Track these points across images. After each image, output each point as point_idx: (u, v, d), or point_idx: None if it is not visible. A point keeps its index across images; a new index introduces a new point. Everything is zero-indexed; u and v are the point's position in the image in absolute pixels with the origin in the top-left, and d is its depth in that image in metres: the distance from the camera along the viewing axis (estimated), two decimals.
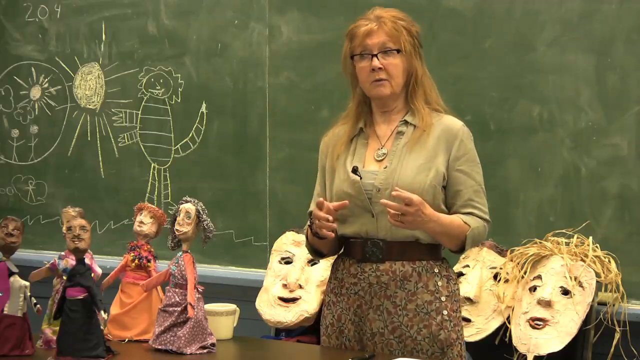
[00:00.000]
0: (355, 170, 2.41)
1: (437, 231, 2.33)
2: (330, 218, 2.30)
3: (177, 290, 2.29)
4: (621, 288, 3.05)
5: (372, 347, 2.39)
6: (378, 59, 2.38)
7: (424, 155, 2.38)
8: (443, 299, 2.37)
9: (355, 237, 2.42)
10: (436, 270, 2.39)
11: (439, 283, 2.38)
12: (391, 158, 2.40)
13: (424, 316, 2.36)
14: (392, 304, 2.37)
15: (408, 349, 2.36)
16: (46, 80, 4.44)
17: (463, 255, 3.26)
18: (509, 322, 3.07)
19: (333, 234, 2.33)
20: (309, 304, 3.38)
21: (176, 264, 2.30)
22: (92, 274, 2.16)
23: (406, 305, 2.36)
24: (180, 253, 2.32)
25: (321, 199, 2.35)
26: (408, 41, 2.39)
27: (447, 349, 2.36)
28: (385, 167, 2.39)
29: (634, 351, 3.05)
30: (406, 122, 2.43)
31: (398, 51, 2.38)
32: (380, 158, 2.42)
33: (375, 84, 2.40)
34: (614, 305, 3.03)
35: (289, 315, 3.39)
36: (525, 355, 2.97)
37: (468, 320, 3.14)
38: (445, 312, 2.37)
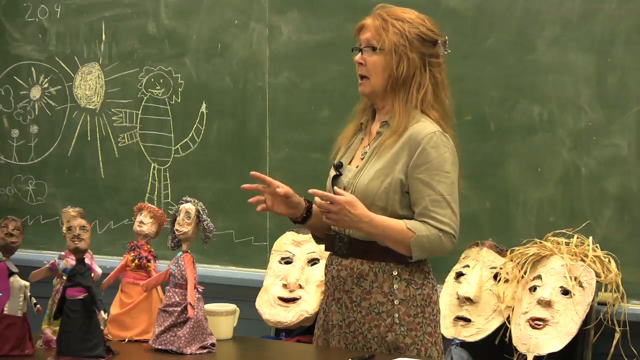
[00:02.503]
0: (338, 167, 2.48)
1: (372, 232, 2.33)
2: (260, 187, 2.42)
3: (177, 290, 2.29)
4: (621, 288, 3.05)
5: (331, 338, 2.45)
6: (362, 54, 2.42)
7: (386, 160, 2.38)
8: (396, 302, 2.37)
9: (331, 231, 2.48)
10: (395, 273, 2.37)
11: (395, 286, 2.37)
12: (364, 159, 2.43)
13: (375, 316, 2.38)
14: (349, 299, 2.41)
15: (360, 345, 2.39)
16: (46, 80, 4.43)
17: (463, 255, 3.27)
18: (509, 322, 3.07)
19: (263, 207, 2.44)
20: (308, 304, 3.38)
21: (176, 264, 2.30)
22: (92, 274, 2.16)
23: (361, 303, 2.39)
24: (180, 253, 2.32)
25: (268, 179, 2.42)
26: (392, 41, 2.37)
27: (395, 352, 2.35)
28: (357, 167, 2.44)
29: (634, 351, 3.05)
30: (386, 124, 2.44)
31: (374, 49, 2.39)
32: (362, 157, 2.46)
33: (359, 81, 2.45)
34: (614, 305, 3.03)
35: (289, 315, 3.39)
36: (525, 355, 2.98)
37: (468, 320, 3.14)
38: (396, 315, 2.36)
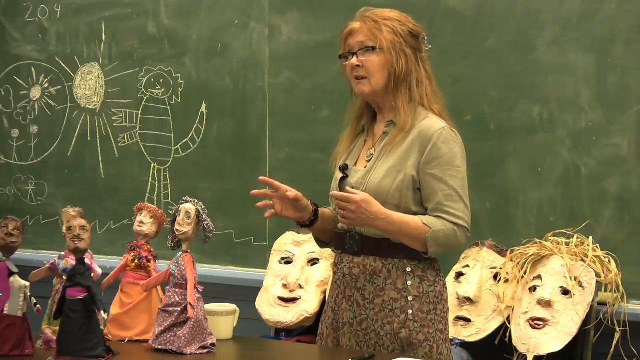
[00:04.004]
0: (343, 169, 2.49)
1: (389, 230, 2.34)
2: (269, 192, 2.40)
3: (177, 290, 2.29)
4: (621, 288, 3.05)
5: (342, 336, 2.45)
6: (358, 57, 2.42)
7: (396, 157, 2.39)
8: (410, 298, 2.37)
9: (340, 229, 2.49)
10: (408, 270, 2.39)
11: (409, 282, 2.38)
12: (373, 159, 2.44)
13: (388, 312, 2.38)
14: (361, 297, 2.41)
15: (372, 342, 2.39)
16: (46, 80, 4.44)
17: (463, 255, 3.27)
18: (509, 322, 3.07)
19: (272, 213, 2.42)
20: (309, 304, 3.38)
21: (176, 264, 2.30)
22: (92, 274, 2.16)
23: (374, 300, 2.39)
24: (180, 253, 2.32)
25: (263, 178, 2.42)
26: (389, 40, 2.39)
27: (408, 348, 2.37)
28: (365, 167, 2.44)
29: (634, 351, 3.05)
30: (392, 123, 2.45)
31: (373, 49, 2.40)
32: (368, 158, 2.47)
33: (356, 81, 2.45)
34: (614, 305, 3.03)
35: (289, 315, 3.39)
36: (525, 355, 2.98)
37: (468, 320, 3.14)
38: (410, 312, 2.37)
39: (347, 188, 2.35)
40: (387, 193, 2.36)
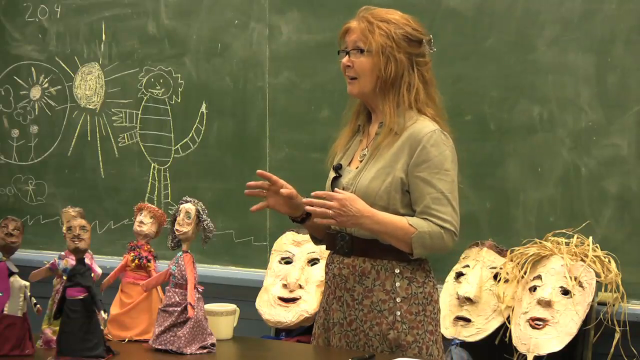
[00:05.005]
0: (337, 168, 2.50)
1: (374, 229, 2.34)
2: (265, 185, 2.44)
3: (177, 290, 2.29)
4: (621, 288, 3.05)
5: (332, 336, 2.45)
6: (350, 56, 2.43)
7: (386, 159, 2.39)
8: (398, 300, 2.38)
9: (332, 230, 2.49)
10: (397, 271, 2.39)
11: (397, 284, 2.38)
12: (364, 160, 2.45)
13: (377, 314, 2.38)
14: (350, 297, 2.42)
15: (361, 343, 2.40)
16: (46, 80, 4.43)
17: (463, 255, 3.27)
18: (509, 322, 3.07)
19: (260, 206, 2.46)
20: (309, 304, 3.38)
21: (176, 264, 2.30)
22: (92, 274, 2.16)
23: (362, 301, 2.40)
24: (180, 253, 2.32)
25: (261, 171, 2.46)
26: (379, 43, 2.38)
27: (397, 350, 2.37)
28: (357, 168, 2.45)
29: (634, 351, 3.05)
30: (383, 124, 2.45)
31: (362, 51, 2.40)
32: (361, 158, 2.47)
33: (347, 81, 2.46)
34: (614, 305, 3.03)
35: (289, 315, 3.39)
36: (525, 355, 2.98)
37: (468, 320, 3.14)
38: (398, 313, 2.37)
39: (335, 189, 2.36)
40: (376, 195, 2.36)
